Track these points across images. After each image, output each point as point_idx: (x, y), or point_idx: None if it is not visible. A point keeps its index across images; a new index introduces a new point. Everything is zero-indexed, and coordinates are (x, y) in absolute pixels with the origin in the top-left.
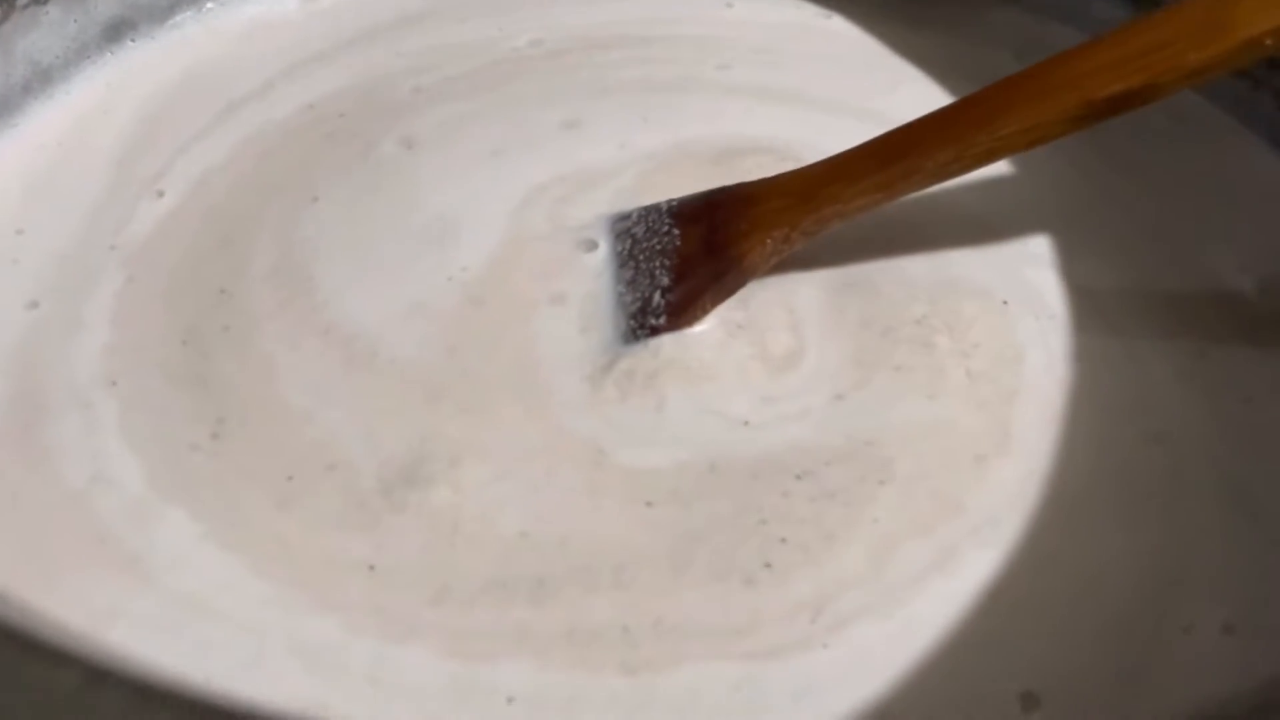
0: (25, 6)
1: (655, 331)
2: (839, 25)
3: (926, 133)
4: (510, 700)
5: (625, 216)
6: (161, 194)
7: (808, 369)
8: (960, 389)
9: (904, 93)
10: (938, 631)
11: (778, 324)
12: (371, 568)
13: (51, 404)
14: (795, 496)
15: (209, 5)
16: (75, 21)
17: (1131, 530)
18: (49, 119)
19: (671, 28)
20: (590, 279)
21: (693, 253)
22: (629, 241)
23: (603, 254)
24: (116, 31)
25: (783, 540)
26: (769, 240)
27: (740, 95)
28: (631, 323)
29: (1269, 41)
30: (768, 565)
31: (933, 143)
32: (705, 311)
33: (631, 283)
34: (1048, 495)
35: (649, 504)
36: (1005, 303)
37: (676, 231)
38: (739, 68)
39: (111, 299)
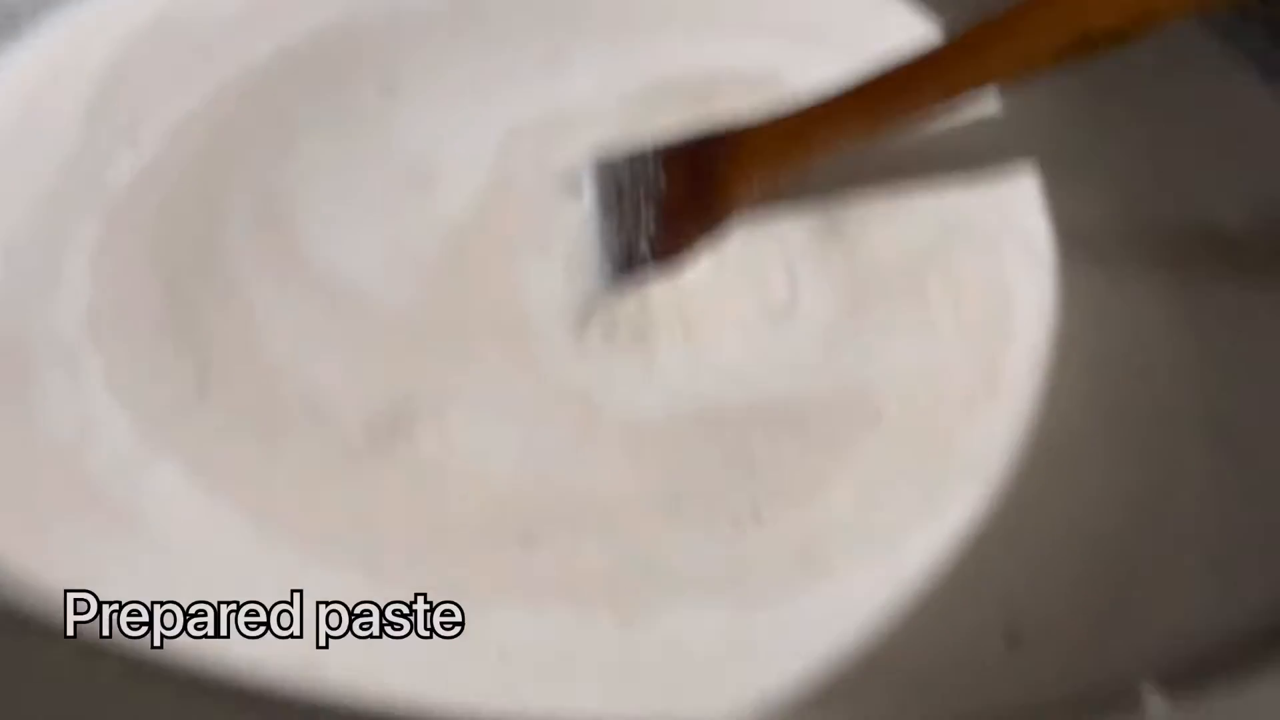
0: None
1: (643, 277)
2: None
3: (914, 76)
4: (502, 654)
5: (610, 161)
6: (138, 143)
7: (797, 316)
8: (951, 333)
9: (895, 21)
10: (924, 572)
11: (766, 270)
12: (358, 516)
13: (36, 358)
14: (783, 443)
15: None
16: None
17: (1116, 468)
18: (21, 68)
19: None
20: (576, 226)
21: (678, 196)
22: (615, 188)
23: (588, 200)
24: None
25: (770, 488)
26: (754, 182)
27: (726, 28)
28: (618, 269)
29: None
30: (755, 511)
31: (921, 86)
32: (692, 254)
33: (618, 229)
34: (1036, 436)
35: (638, 453)
36: (997, 244)
37: (662, 176)
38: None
39: (92, 250)
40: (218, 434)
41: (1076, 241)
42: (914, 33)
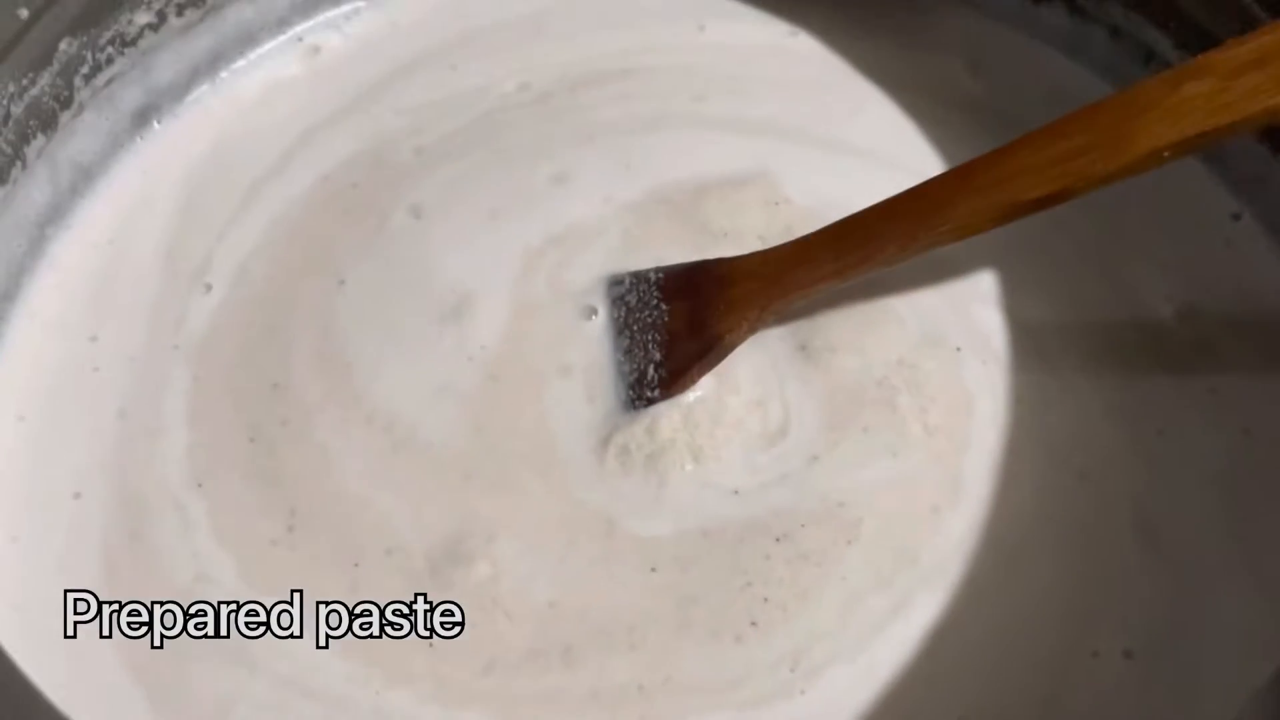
0: (66, 123)
1: (651, 402)
2: (804, 44)
3: (875, 225)
4: None
5: (619, 281)
6: (210, 287)
7: (787, 437)
8: (919, 444)
9: (868, 115)
10: (892, 671)
11: (757, 395)
12: (431, 644)
13: (151, 508)
14: (775, 559)
15: (222, 75)
16: (107, 119)
17: (1059, 566)
18: (97, 216)
19: (648, 58)
20: (593, 346)
21: (679, 329)
22: (623, 309)
23: (601, 320)
24: (143, 117)
25: (765, 600)
26: (745, 319)
27: (714, 129)
28: (631, 393)
29: (1167, 154)
30: (753, 623)
31: (881, 236)
32: (694, 381)
33: (629, 352)
34: (990, 539)
35: (654, 570)
36: (958, 350)
37: (665, 307)
38: (713, 98)
39: (184, 400)
40: (308, 572)
41: (1028, 340)
42: (890, 127)
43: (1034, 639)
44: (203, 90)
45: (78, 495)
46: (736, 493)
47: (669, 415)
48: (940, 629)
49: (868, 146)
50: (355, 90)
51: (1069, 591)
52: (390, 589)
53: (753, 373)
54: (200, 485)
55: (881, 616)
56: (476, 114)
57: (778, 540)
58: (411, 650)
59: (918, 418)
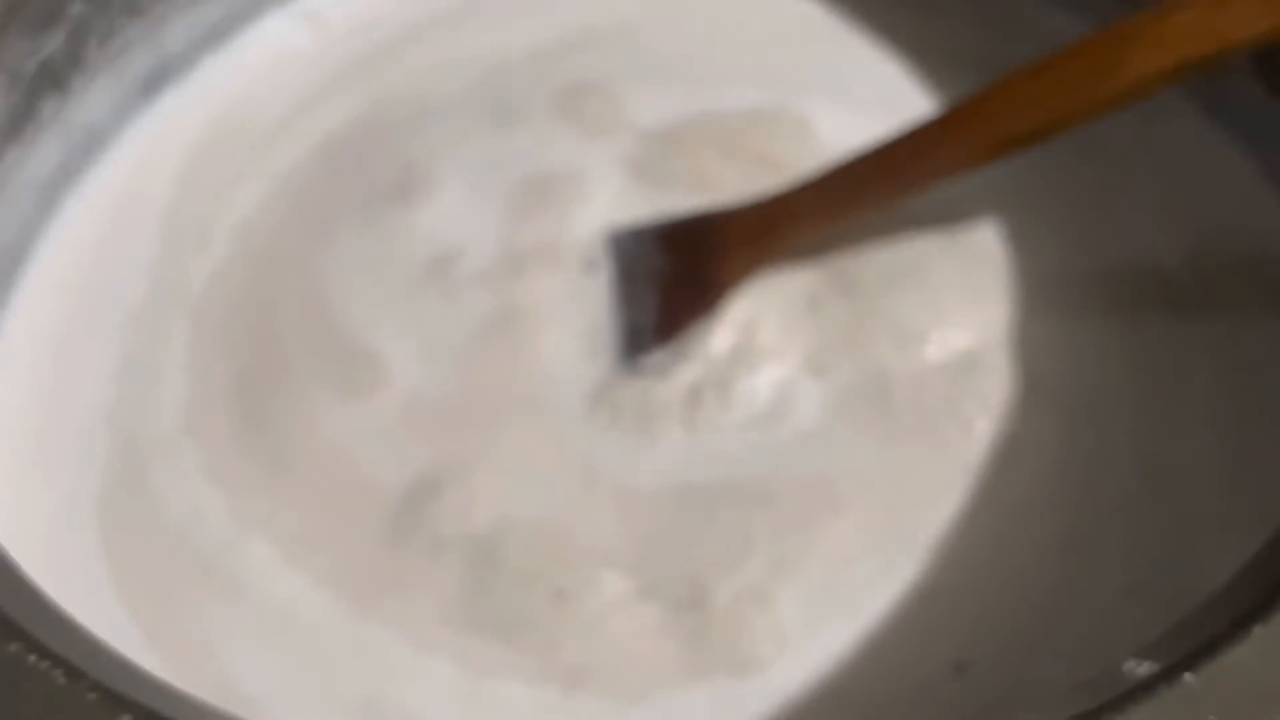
0: (79, 86)
1: (646, 349)
2: (813, 10)
3: (864, 168)
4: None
5: (620, 235)
6: (209, 246)
7: (777, 402)
8: (919, 390)
9: (880, 71)
10: (882, 620)
11: (751, 355)
12: (400, 583)
13: (147, 451)
14: (758, 521)
15: (229, 45)
16: (119, 87)
17: (1058, 507)
18: (105, 178)
19: (652, 19)
20: (591, 300)
21: (677, 276)
22: (622, 261)
23: (601, 273)
24: (153, 84)
25: (747, 558)
26: (740, 265)
27: (724, 79)
28: (627, 340)
29: (1155, 82)
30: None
31: (871, 179)
32: (686, 327)
33: (627, 302)
34: (988, 482)
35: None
36: (957, 302)
37: (662, 257)
38: (721, 54)
39: (181, 352)
40: (295, 511)
41: (1035, 286)
42: (903, 80)
43: (1031, 580)
44: (209, 59)
45: (79, 442)
46: (722, 458)
47: (667, 382)
48: (934, 574)
49: (878, 99)
50: (357, 59)
51: (1068, 531)
52: (372, 528)
53: (747, 332)
54: (193, 431)
55: (872, 569)
56: (475, 77)
57: (761, 504)
58: (386, 584)
59: (915, 376)
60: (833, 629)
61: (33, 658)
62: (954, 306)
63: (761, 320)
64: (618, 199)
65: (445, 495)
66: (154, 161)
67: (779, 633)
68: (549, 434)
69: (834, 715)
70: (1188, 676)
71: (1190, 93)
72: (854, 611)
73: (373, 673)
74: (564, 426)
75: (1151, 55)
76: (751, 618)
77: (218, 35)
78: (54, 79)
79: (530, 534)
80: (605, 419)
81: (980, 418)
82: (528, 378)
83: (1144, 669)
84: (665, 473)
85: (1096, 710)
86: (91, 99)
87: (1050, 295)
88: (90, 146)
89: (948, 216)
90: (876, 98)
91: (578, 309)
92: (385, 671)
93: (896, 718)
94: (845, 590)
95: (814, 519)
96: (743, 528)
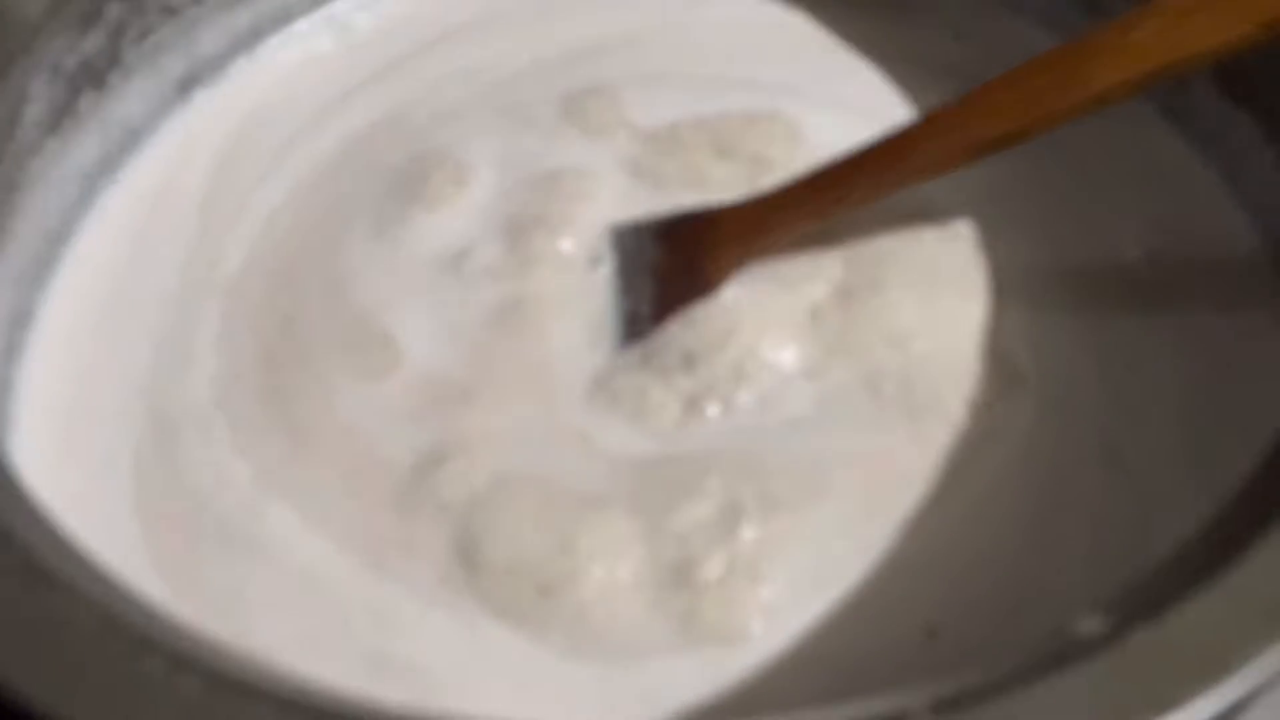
0: (116, 84)
1: (643, 334)
2: (797, 20)
3: (848, 168)
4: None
5: (621, 230)
6: (240, 236)
7: (770, 388)
8: (895, 379)
9: (858, 80)
10: (854, 589)
11: (747, 342)
12: (407, 546)
13: (178, 424)
14: (747, 500)
15: (260, 49)
16: (155, 86)
17: (1026, 491)
18: (141, 171)
19: (651, 29)
20: (596, 292)
21: (672, 269)
22: (624, 255)
23: (605, 266)
24: (187, 85)
25: (735, 534)
26: (731, 258)
27: (717, 85)
28: (625, 327)
29: (1120, 91)
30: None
31: (855, 179)
32: (677, 312)
33: (626, 292)
34: (959, 465)
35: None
36: (940, 294)
37: (660, 250)
38: (713, 63)
39: (211, 334)
40: (313, 481)
41: (1008, 281)
42: (882, 89)
43: (999, 553)
44: (240, 62)
45: (116, 413)
46: (716, 438)
47: (665, 372)
48: (909, 548)
49: (863, 105)
50: (382, 64)
51: (1035, 509)
52: (379, 491)
53: (741, 321)
54: (221, 405)
55: (852, 545)
56: (488, 82)
57: (749, 483)
58: (394, 546)
59: (900, 369)
60: (815, 600)
61: (71, 607)
62: (936, 302)
63: (756, 316)
64: (620, 196)
65: (449, 464)
66: (188, 156)
67: (766, 606)
68: (550, 412)
69: (816, 679)
70: (1137, 633)
71: (1155, 100)
72: (835, 583)
73: (381, 627)
74: (565, 406)
75: (1116, 66)
76: (740, 592)
77: (248, 39)
78: (93, 77)
79: (524, 485)
80: (604, 402)
81: (958, 407)
82: (533, 363)
83: (1096, 625)
84: (659, 449)
85: (1056, 662)
86: (129, 97)
87: (1022, 291)
88: (127, 141)
89: (927, 216)
90: (862, 104)
91: (583, 300)
92: (393, 627)
93: (873, 679)
94: (827, 564)
95: (801, 498)
96: (734, 501)
